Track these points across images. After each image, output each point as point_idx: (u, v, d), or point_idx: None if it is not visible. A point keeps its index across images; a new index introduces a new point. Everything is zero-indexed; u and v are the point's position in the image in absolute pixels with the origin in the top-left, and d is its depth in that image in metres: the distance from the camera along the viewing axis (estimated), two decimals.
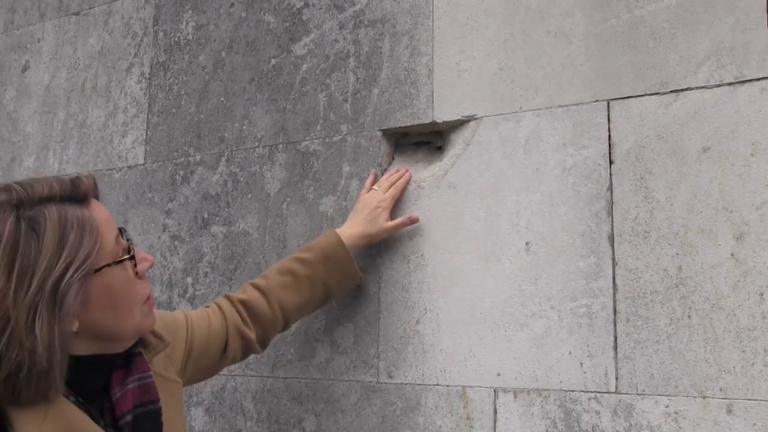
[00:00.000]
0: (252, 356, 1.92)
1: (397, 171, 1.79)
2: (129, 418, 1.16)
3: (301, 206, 1.93)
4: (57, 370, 1.05)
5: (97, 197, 1.16)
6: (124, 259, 1.13)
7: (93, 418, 1.12)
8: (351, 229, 1.70)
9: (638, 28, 1.54)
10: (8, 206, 1.05)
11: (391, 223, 1.73)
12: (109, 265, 1.11)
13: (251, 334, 1.57)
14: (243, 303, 1.57)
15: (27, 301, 1.01)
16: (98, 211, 1.12)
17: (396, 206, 1.78)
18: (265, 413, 1.91)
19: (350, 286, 1.75)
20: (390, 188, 1.75)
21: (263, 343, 1.62)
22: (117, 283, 1.12)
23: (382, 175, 1.81)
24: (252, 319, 1.58)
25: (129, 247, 1.14)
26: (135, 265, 1.14)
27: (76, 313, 1.06)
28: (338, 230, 1.70)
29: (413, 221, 1.74)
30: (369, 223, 1.70)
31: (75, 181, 1.11)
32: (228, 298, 1.59)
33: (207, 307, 1.56)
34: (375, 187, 1.77)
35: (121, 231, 1.18)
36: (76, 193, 1.10)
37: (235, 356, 1.57)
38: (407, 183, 1.78)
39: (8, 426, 1.06)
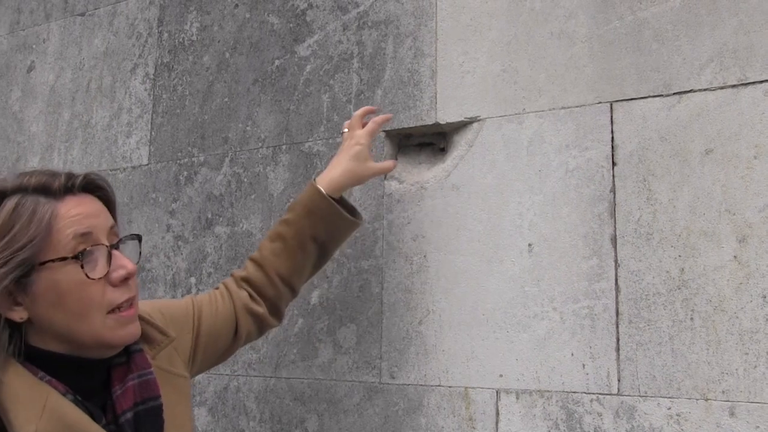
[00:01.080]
0: (254, 356, 1.93)
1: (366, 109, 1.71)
2: (129, 415, 1.16)
3: None
4: None
5: (92, 192, 1.17)
6: (66, 258, 1.10)
7: (93, 416, 1.12)
8: (331, 172, 1.58)
9: (642, 30, 1.54)
10: None
11: (377, 165, 1.64)
12: (52, 260, 1.09)
13: (261, 309, 1.53)
14: (245, 280, 1.55)
15: None
16: (69, 207, 1.12)
17: (399, 207, 1.78)
18: (267, 413, 1.92)
19: (347, 233, 1.64)
20: (361, 125, 1.65)
21: (277, 315, 1.58)
22: (65, 282, 1.10)
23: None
24: (258, 294, 1.55)
25: (84, 250, 1.11)
26: (83, 267, 1.11)
27: (0, 299, 1.08)
28: (318, 177, 1.59)
29: (394, 165, 1.70)
30: (349, 161, 1.59)
31: (59, 176, 1.13)
32: (233, 276, 1.56)
33: (216, 288, 1.54)
34: (344, 129, 1.67)
35: (119, 240, 1.17)
36: (49, 187, 1.12)
37: (249, 335, 1.54)
38: (385, 120, 1.70)
39: (7, 423, 1.07)
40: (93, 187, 1.19)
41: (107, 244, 1.15)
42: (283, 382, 1.90)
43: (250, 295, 1.54)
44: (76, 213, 1.13)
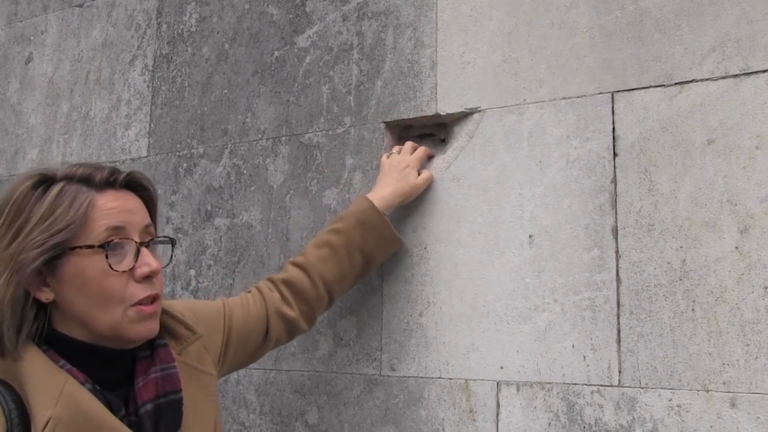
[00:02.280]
0: None
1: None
2: (149, 407, 1.19)
3: (305, 199, 1.93)
4: (10, 328, 1.12)
5: (133, 189, 1.23)
6: (93, 246, 1.14)
7: (111, 407, 1.15)
8: (382, 191, 1.68)
9: (643, 20, 1.53)
10: (36, 177, 1.17)
11: (420, 179, 1.71)
12: (80, 247, 1.14)
13: (293, 314, 1.57)
14: (285, 282, 1.59)
15: (6, 256, 1.12)
16: (108, 199, 1.18)
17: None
18: (267, 406, 1.91)
19: (390, 251, 1.72)
20: (414, 151, 1.74)
21: (310, 320, 1.62)
22: (90, 269, 1.15)
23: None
24: (296, 297, 1.58)
25: (111, 241, 1.16)
26: (107, 257, 1.15)
27: (31, 277, 1.12)
28: (369, 195, 1.67)
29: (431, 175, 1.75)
30: (399, 182, 1.68)
31: (103, 170, 1.19)
32: (270, 280, 1.61)
33: (248, 292, 1.58)
34: (395, 150, 1.76)
35: (151, 239, 1.22)
36: (92, 178, 1.18)
37: (279, 338, 1.58)
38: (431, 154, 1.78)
39: (27, 407, 1.11)
40: (136, 185, 1.24)
41: (137, 240, 1.19)
42: (283, 374, 1.90)
43: (283, 298, 1.57)
44: (113, 206, 1.18)
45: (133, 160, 2.29)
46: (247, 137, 2.06)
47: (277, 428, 1.89)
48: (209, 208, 2.10)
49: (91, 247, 1.14)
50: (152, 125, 2.27)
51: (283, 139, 1.99)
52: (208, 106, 2.15)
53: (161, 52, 2.29)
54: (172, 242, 1.30)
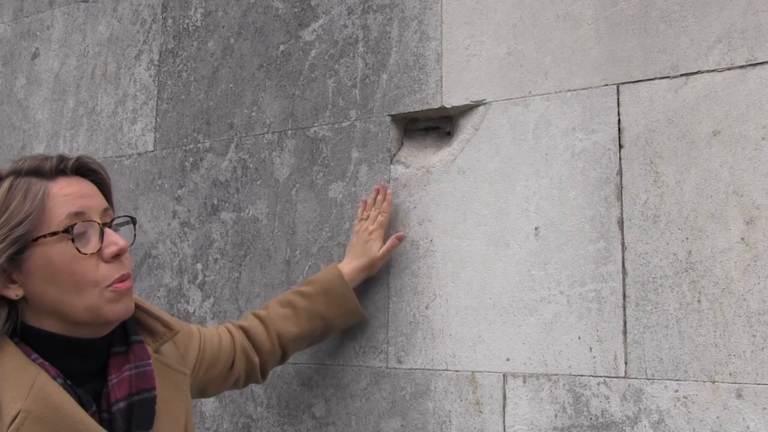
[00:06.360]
0: None
1: (378, 192, 1.77)
2: (122, 404, 1.18)
3: (311, 192, 1.93)
4: None
5: (83, 175, 1.22)
6: (57, 233, 1.14)
7: (82, 402, 1.14)
8: (349, 264, 1.72)
9: (648, 11, 1.53)
10: None
11: (381, 251, 1.72)
12: (44, 236, 1.14)
13: (256, 359, 1.61)
14: (244, 330, 1.62)
15: None
16: (61, 186, 1.17)
17: (405, 191, 1.78)
18: (275, 399, 1.92)
19: (351, 321, 1.76)
20: (378, 215, 1.74)
21: (263, 372, 1.66)
22: (58, 257, 1.14)
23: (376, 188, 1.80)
24: (252, 345, 1.61)
25: (74, 225, 1.15)
26: (73, 241, 1.15)
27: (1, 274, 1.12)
28: (339, 264, 1.72)
29: (401, 239, 1.75)
30: (362, 257, 1.72)
31: (51, 159, 1.18)
32: (231, 323, 1.63)
33: (216, 328, 1.61)
34: (364, 216, 1.76)
35: (113, 219, 1.21)
36: (41, 169, 1.17)
37: (239, 378, 1.60)
38: (391, 203, 1.77)
39: None
40: (86, 170, 1.23)
41: (99, 221, 1.19)
42: (290, 367, 1.91)
43: (248, 343, 1.61)
44: (68, 193, 1.17)
45: (139, 154, 2.30)
46: (252, 131, 2.06)
47: (285, 421, 1.90)
48: (215, 202, 2.11)
49: (55, 234, 1.14)
50: (158, 120, 2.28)
51: (289, 132, 1.99)
52: (213, 100, 2.15)
53: (167, 47, 2.30)
54: (133, 221, 1.29)
